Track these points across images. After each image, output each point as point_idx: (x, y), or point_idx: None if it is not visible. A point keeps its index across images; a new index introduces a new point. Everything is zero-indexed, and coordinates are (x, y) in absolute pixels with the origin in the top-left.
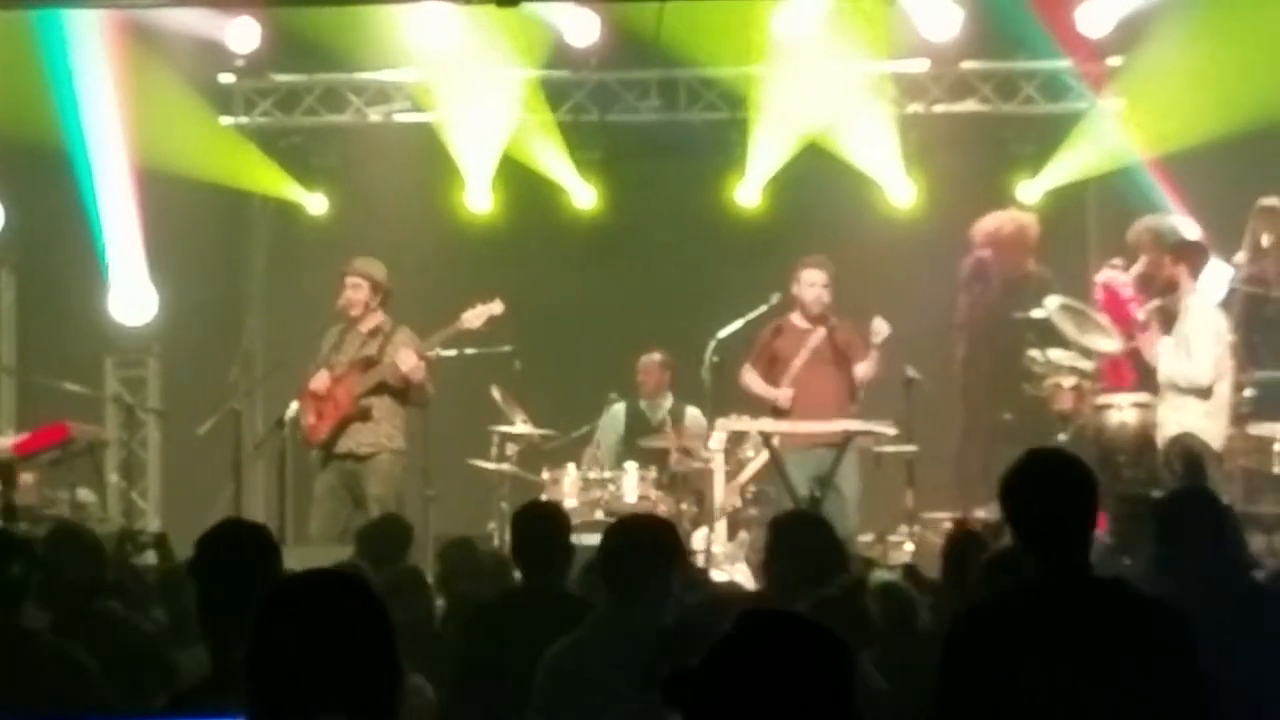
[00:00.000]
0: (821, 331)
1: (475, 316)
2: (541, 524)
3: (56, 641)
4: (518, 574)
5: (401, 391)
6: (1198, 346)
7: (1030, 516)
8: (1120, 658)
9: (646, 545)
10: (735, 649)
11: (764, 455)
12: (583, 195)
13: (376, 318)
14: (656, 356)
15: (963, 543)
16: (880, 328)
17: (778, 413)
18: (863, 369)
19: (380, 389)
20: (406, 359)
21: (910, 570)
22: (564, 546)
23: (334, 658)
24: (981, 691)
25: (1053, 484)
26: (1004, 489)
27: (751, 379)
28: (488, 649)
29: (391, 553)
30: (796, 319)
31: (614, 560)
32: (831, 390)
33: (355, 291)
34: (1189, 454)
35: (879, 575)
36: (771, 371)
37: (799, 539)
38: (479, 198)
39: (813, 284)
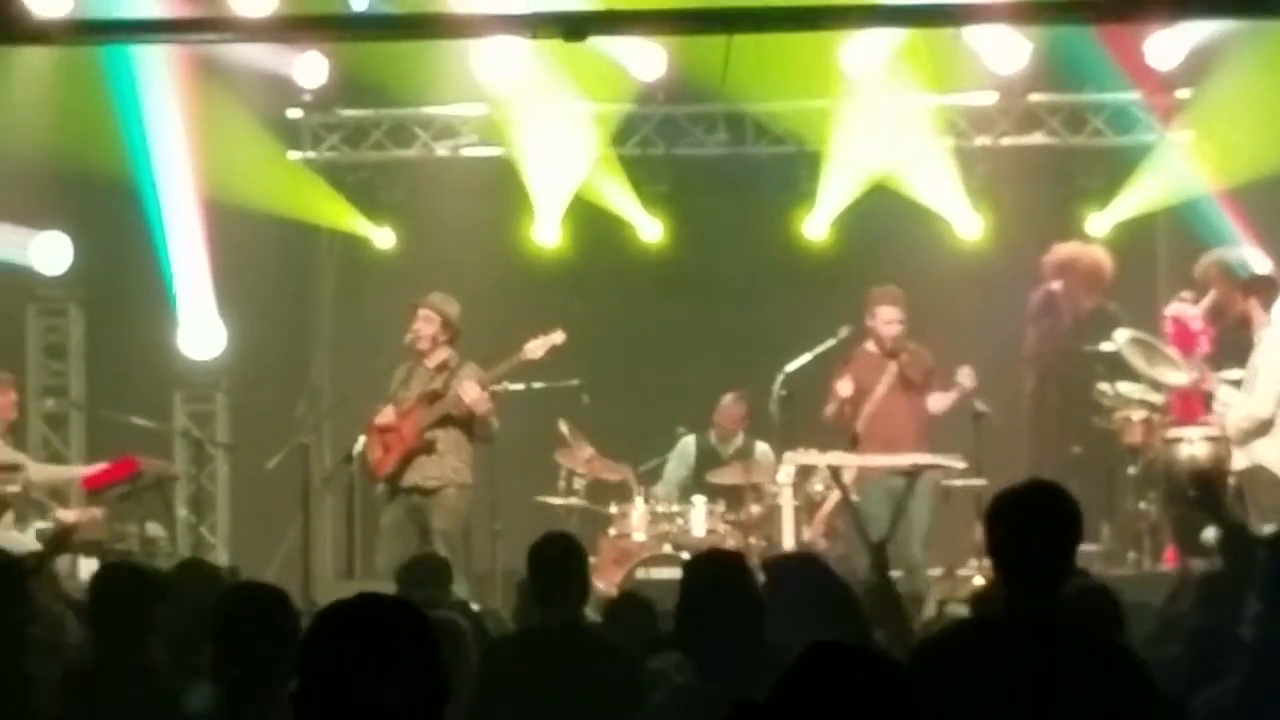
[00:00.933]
0: (895, 364)
1: (537, 347)
2: (558, 556)
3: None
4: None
5: (467, 425)
6: (1265, 379)
7: (1000, 549)
8: (1069, 704)
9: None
10: (802, 685)
11: (838, 491)
12: (649, 229)
13: (443, 353)
14: (731, 397)
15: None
16: (965, 378)
17: (852, 444)
18: (936, 401)
19: (445, 422)
20: (469, 390)
21: (977, 602)
22: (581, 579)
23: (380, 678)
24: None
25: (1024, 518)
26: (986, 517)
27: (829, 406)
28: (504, 683)
29: (433, 590)
30: (871, 348)
31: (696, 614)
32: (907, 420)
33: (425, 325)
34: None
35: (952, 610)
36: (851, 401)
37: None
38: (548, 231)
39: (889, 321)
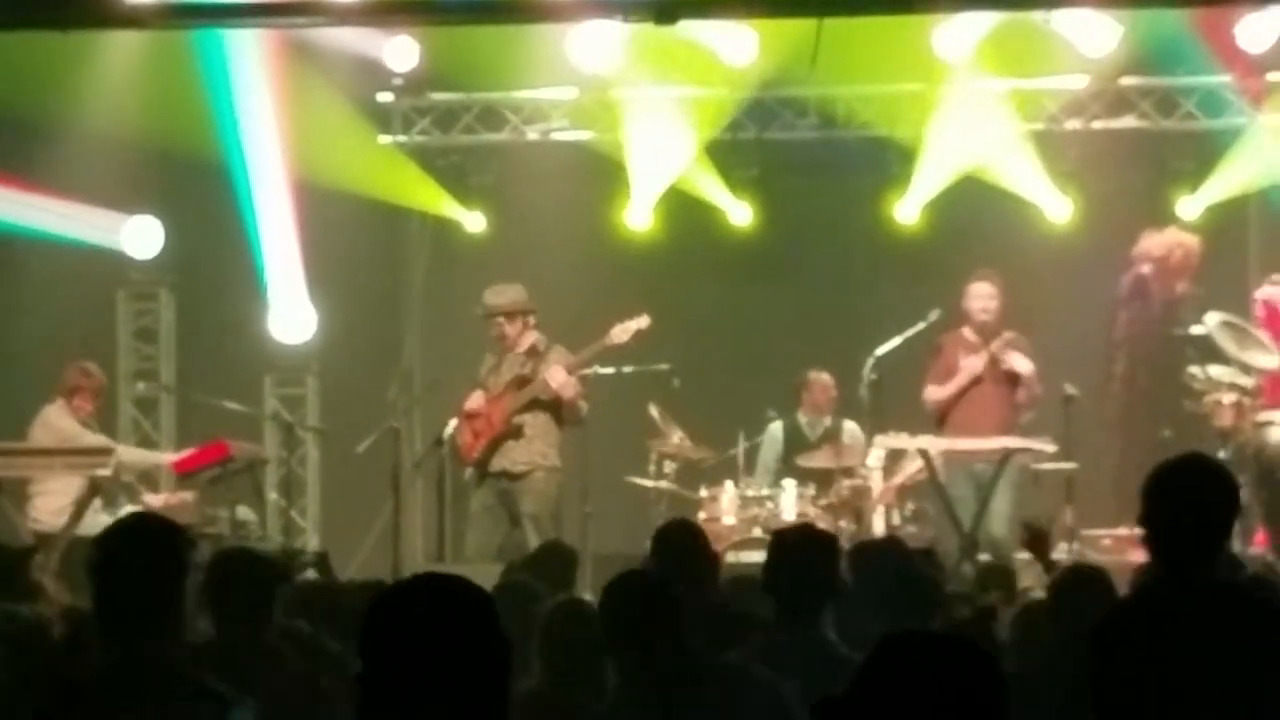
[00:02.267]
0: (988, 351)
1: (623, 331)
2: (684, 538)
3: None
4: None
5: (555, 409)
6: None
7: (1158, 523)
8: (1242, 667)
9: (819, 563)
10: (882, 672)
11: (919, 462)
12: (739, 213)
13: (530, 338)
14: (826, 376)
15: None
16: (1022, 365)
17: (939, 425)
18: (1024, 392)
19: (534, 406)
20: (556, 375)
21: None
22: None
23: (440, 658)
24: (1126, 697)
25: (1183, 492)
26: (1143, 493)
27: (932, 390)
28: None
29: (560, 581)
30: (966, 333)
31: (783, 575)
32: (997, 406)
33: (499, 328)
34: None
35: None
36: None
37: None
38: (641, 215)
39: (979, 296)
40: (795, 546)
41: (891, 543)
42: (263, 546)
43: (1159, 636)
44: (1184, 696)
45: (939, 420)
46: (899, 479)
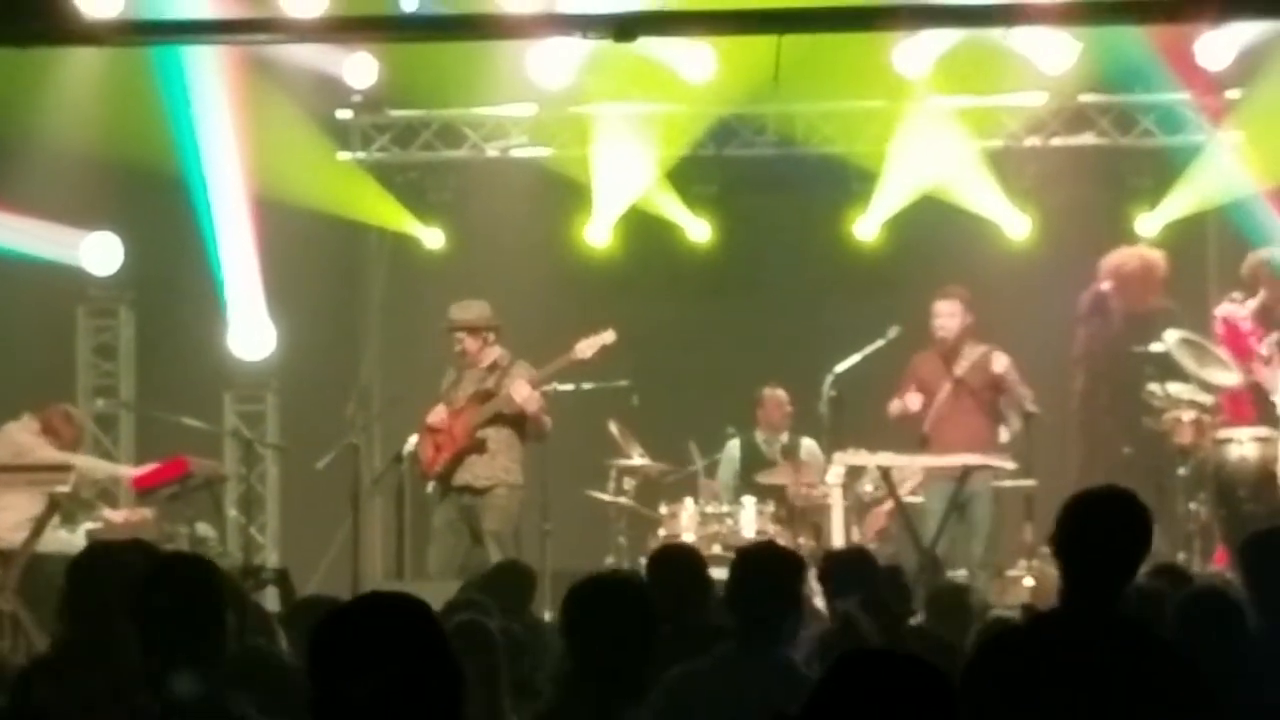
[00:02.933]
0: (963, 365)
1: (588, 346)
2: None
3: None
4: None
5: (519, 424)
6: None
7: (1064, 548)
8: (1122, 705)
9: (782, 579)
10: (838, 691)
11: (908, 485)
12: (699, 230)
13: (492, 353)
14: (781, 392)
15: None
16: (998, 364)
17: (922, 445)
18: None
19: (497, 421)
20: (520, 390)
21: (1028, 611)
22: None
23: (392, 679)
24: None
25: (1090, 520)
26: (1057, 518)
27: (894, 404)
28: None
29: (515, 602)
30: (934, 356)
31: (745, 593)
32: (972, 422)
33: (461, 344)
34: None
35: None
36: (915, 410)
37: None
38: (601, 232)
39: (937, 314)
40: (758, 564)
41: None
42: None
43: (1037, 665)
44: None
45: (921, 441)
46: (886, 505)
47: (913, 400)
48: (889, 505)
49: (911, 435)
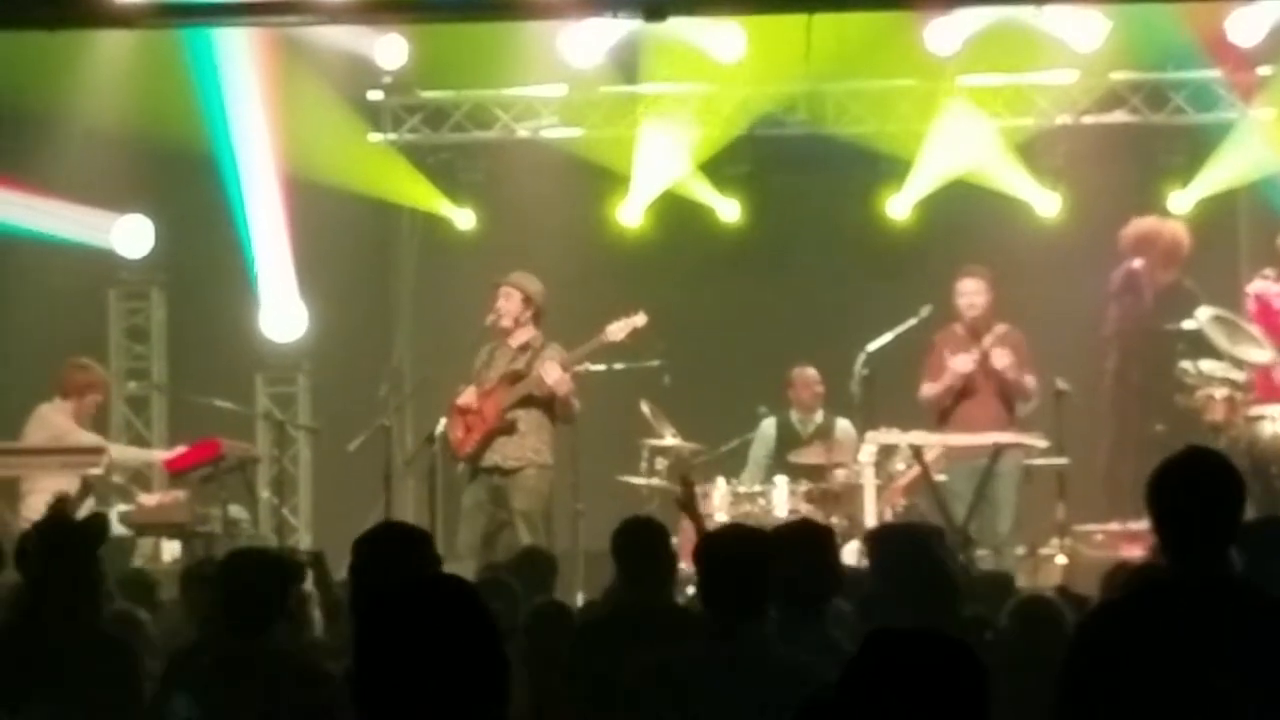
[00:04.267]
0: (985, 341)
1: (619, 329)
2: (643, 537)
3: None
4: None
5: (549, 406)
6: None
7: (1169, 514)
8: (1253, 664)
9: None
10: (868, 672)
11: (916, 467)
12: (730, 210)
13: (527, 333)
14: (811, 371)
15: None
16: (999, 358)
17: (939, 422)
18: (1028, 381)
19: (527, 402)
20: (551, 371)
21: (1063, 592)
22: (666, 559)
23: (434, 661)
24: (1105, 694)
25: (1195, 482)
26: (1150, 485)
27: (926, 387)
28: (594, 662)
29: (538, 586)
30: (957, 329)
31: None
32: (993, 401)
33: (507, 301)
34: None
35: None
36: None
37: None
38: (634, 213)
39: (964, 292)
40: (724, 550)
41: (911, 529)
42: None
43: (1155, 632)
44: (1180, 695)
45: (938, 417)
46: (904, 480)
47: (962, 361)
48: (905, 481)
49: (932, 412)
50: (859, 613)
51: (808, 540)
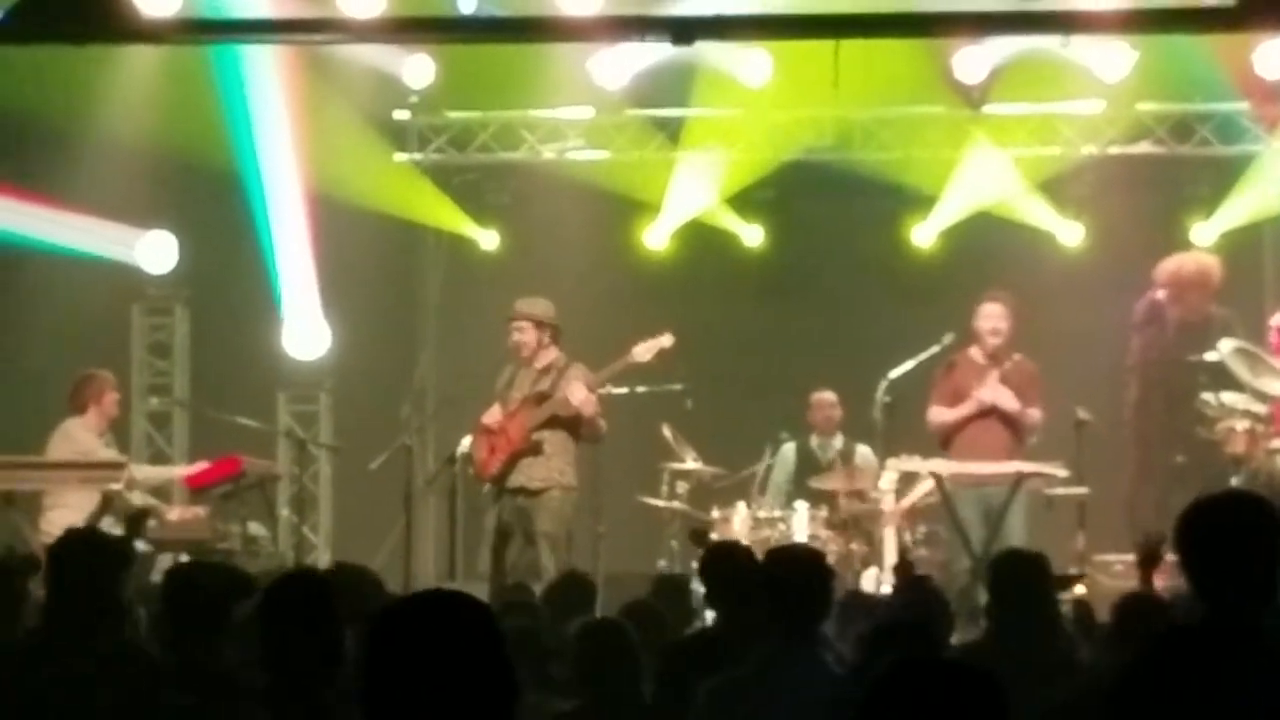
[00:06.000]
0: (996, 372)
1: (646, 350)
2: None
3: None
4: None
5: (574, 426)
6: None
7: (1200, 559)
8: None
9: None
10: (887, 700)
11: (928, 484)
12: (754, 234)
13: (550, 354)
14: (829, 395)
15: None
16: (987, 392)
17: (944, 447)
18: (1030, 416)
19: (552, 423)
20: (576, 392)
21: (1080, 605)
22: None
23: (443, 677)
24: None
25: (1227, 526)
26: (1178, 527)
27: (937, 412)
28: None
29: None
30: (975, 354)
31: (785, 594)
32: (1001, 429)
33: (521, 334)
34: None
35: None
36: (952, 407)
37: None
38: (659, 237)
39: (989, 316)
40: (792, 566)
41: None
42: (274, 563)
43: (1194, 683)
44: None
45: (943, 442)
46: (908, 501)
47: (947, 413)
48: (909, 503)
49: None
50: (872, 637)
51: (802, 565)
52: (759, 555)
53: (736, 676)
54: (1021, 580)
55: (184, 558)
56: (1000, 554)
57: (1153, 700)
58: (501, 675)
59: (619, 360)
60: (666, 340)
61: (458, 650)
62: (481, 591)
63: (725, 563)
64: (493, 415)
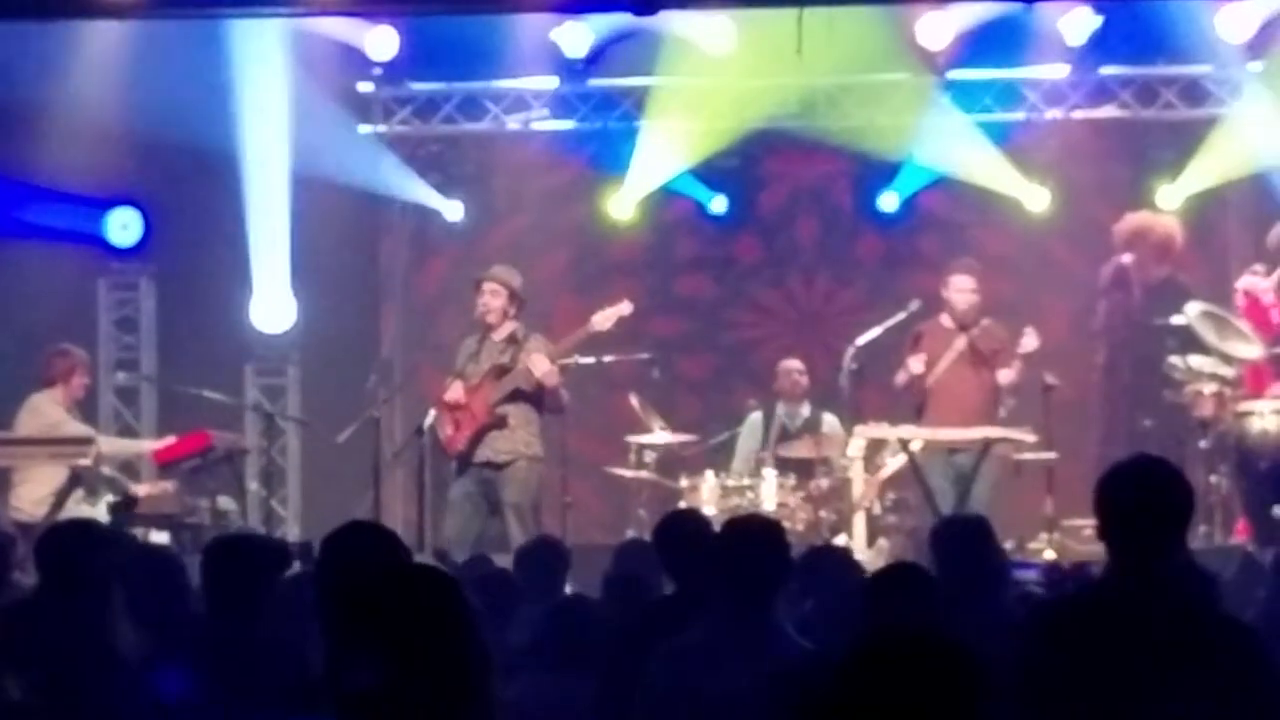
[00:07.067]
0: (965, 337)
1: (604, 319)
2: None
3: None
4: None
5: (536, 398)
6: None
7: (1106, 519)
8: (1177, 673)
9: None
10: (867, 669)
11: (902, 458)
12: (719, 203)
13: (510, 326)
14: (796, 362)
15: None
16: (1029, 341)
17: (917, 414)
18: (1005, 375)
19: (515, 396)
20: (539, 364)
21: (1051, 568)
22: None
23: (414, 652)
24: (1037, 694)
25: (1134, 486)
26: (1096, 487)
27: (900, 375)
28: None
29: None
30: (944, 320)
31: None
32: (973, 394)
33: (493, 298)
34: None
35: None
36: (919, 373)
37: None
38: (625, 205)
39: (961, 289)
40: (746, 534)
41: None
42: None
43: (1102, 630)
44: (1124, 693)
45: (917, 409)
46: (882, 475)
47: (915, 364)
48: (887, 474)
49: (910, 405)
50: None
51: (758, 532)
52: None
53: (688, 643)
54: (963, 544)
55: (154, 533)
56: (938, 522)
57: (1055, 642)
58: (469, 647)
59: (579, 330)
60: (625, 308)
61: (428, 625)
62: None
63: (678, 530)
64: (455, 391)
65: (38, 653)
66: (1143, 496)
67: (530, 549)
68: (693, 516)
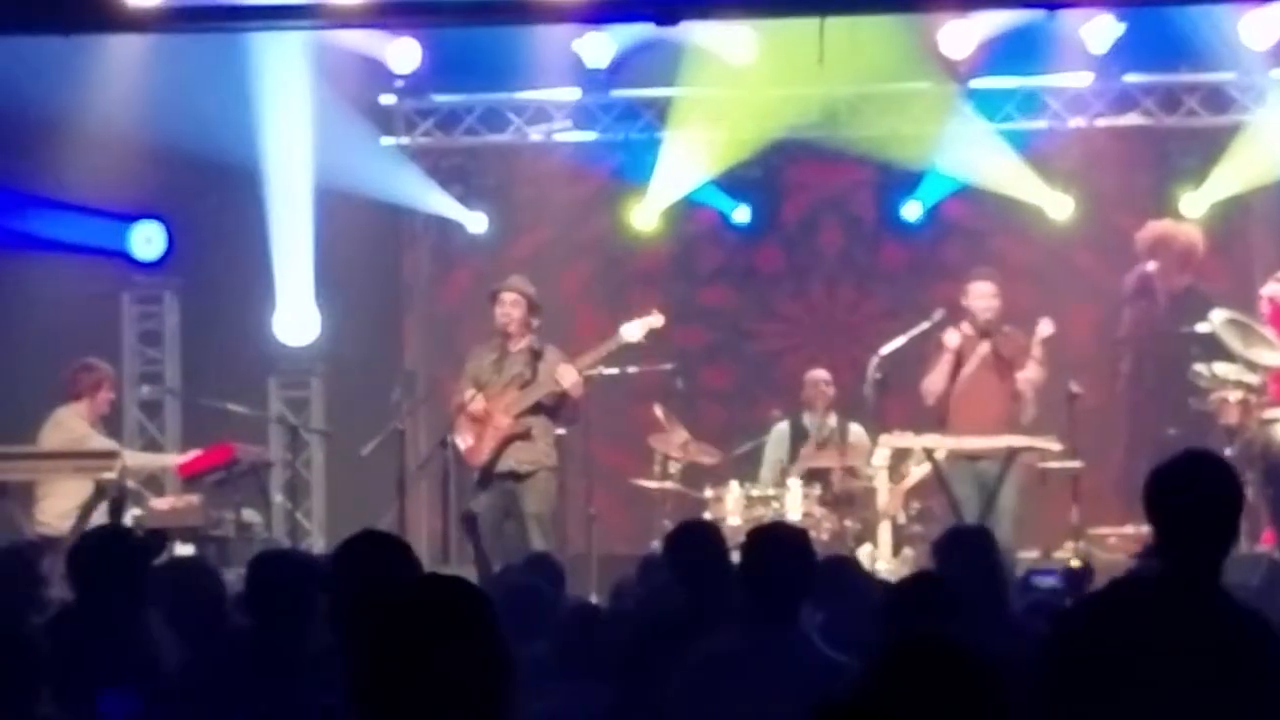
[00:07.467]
0: (988, 343)
1: (635, 329)
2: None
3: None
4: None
5: (553, 409)
6: None
7: (1156, 516)
8: (1216, 673)
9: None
10: (890, 678)
11: (927, 467)
12: (742, 212)
13: (529, 336)
14: (822, 372)
15: None
16: (1045, 328)
17: (940, 423)
18: (1027, 373)
19: (536, 408)
20: (567, 374)
21: (1069, 574)
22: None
23: (441, 663)
24: (1075, 686)
25: (1188, 483)
26: (1145, 484)
27: (928, 381)
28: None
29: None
30: (965, 328)
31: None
32: (996, 401)
33: (514, 308)
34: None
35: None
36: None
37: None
38: (647, 216)
39: (981, 295)
40: (772, 544)
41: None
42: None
43: (1128, 636)
44: (1149, 693)
45: (940, 419)
46: (907, 484)
47: (951, 337)
48: (912, 483)
49: (934, 414)
50: (881, 616)
51: (782, 541)
52: None
53: (715, 652)
54: (966, 554)
55: (179, 545)
56: (942, 533)
57: (1089, 640)
58: (498, 660)
59: (608, 340)
60: (656, 320)
61: (456, 636)
62: (468, 573)
63: (690, 541)
64: (476, 403)
65: (75, 664)
66: (1196, 493)
67: (531, 562)
68: (703, 526)
